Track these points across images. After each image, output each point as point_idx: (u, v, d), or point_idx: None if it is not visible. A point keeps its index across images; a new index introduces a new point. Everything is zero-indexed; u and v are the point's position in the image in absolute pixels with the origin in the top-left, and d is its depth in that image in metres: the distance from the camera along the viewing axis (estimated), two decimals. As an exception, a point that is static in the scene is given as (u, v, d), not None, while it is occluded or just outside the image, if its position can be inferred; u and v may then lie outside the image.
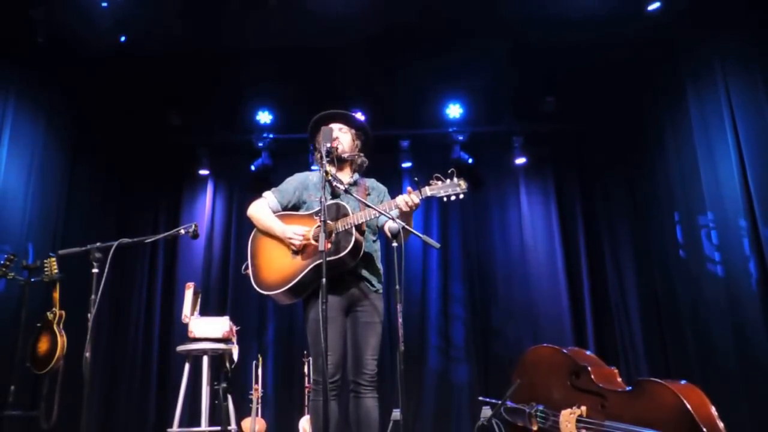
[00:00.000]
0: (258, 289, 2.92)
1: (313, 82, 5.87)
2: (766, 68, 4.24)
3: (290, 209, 3.07)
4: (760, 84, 4.25)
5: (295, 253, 2.89)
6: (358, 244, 2.83)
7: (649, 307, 5.69)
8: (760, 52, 4.30)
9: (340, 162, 2.99)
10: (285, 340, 6.07)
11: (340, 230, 2.83)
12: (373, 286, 2.97)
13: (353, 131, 3.15)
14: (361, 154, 3.15)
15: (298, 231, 2.88)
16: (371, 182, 3.19)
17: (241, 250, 6.24)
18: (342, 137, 3.05)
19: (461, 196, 2.79)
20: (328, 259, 2.63)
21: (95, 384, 5.57)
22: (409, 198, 2.77)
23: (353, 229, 2.82)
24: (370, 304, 2.93)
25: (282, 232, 2.91)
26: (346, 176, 3.08)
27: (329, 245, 2.77)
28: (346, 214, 2.85)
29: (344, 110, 3.19)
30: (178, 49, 5.41)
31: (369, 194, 3.08)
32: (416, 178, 2.88)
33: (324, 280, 2.45)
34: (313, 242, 2.85)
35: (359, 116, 5.87)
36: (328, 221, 2.82)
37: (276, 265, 2.92)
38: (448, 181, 2.79)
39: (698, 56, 4.88)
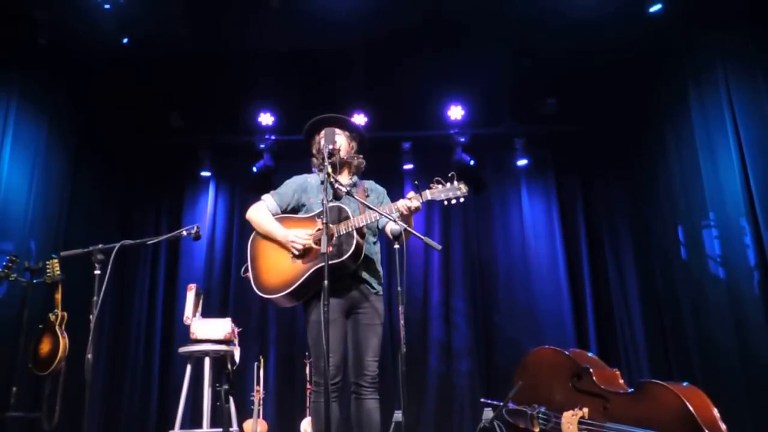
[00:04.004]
0: (258, 292, 2.92)
1: (315, 84, 5.87)
2: (767, 68, 4.25)
3: (289, 212, 3.08)
4: (761, 84, 4.25)
5: (296, 256, 2.89)
6: (359, 247, 2.84)
7: (651, 309, 5.69)
8: (760, 52, 4.30)
9: (339, 166, 3.01)
10: (286, 341, 6.07)
11: (342, 233, 2.83)
12: (373, 288, 2.98)
13: (348, 134, 3.16)
14: (359, 156, 3.16)
15: (300, 235, 2.88)
16: (370, 184, 3.20)
17: (242, 251, 6.18)
18: (338, 140, 3.04)
19: (462, 200, 2.83)
20: (329, 262, 2.65)
21: (97, 385, 5.58)
22: (410, 202, 2.80)
23: (354, 232, 2.82)
24: (371, 306, 2.94)
25: (284, 237, 2.91)
26: (344, 179, 3.09)
27: (331, 248, 2.78)
28: (347, 217, 2.86)
29: (341, 113, 3.21)
30: (180, 51, 5.42)
31: (368, 196, 3.09)
32: (417, 182, 2.88)
33: (326, 282, 2.46)
34: (314, 246, 2.85)
35: (360, 118, 5.99)
36: (330, 225, 2.83)
37: (277, 268, 2.92)
38: (449, 184, 2.84)
39: (699, 57, 4.88)
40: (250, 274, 2.96)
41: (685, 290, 5.12)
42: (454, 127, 6.26)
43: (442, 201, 2.83)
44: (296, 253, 2.89)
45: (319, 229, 2.84)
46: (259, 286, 2.93)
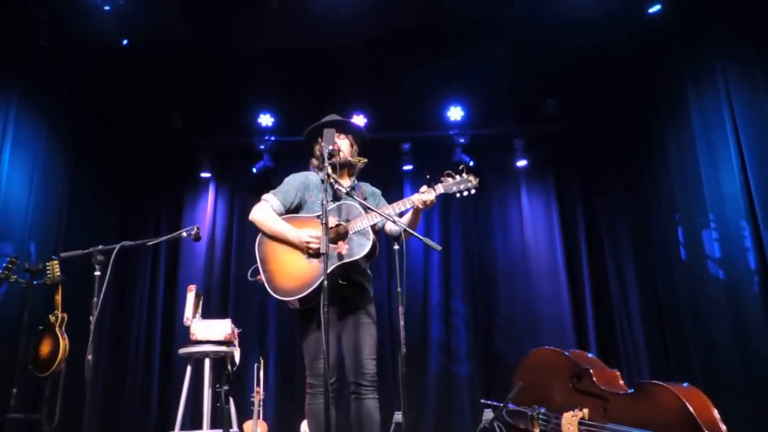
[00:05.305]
0: (275, 295, 2.83)
1: (315, 85, 5.88)
2: (767, 69, 4.25)
3: (292, 210, 3.06)
4: (761, 85, 4.25)
5: (311, 256, 2.85)
6: (374, 246, 2.84)
7: (651, 309, 5.69)
8: (759, 53, 4.31)
9: (340, 168, 3.00)
10: (286, 342, 6.07)
11: (354, 231, 2.83)
12: (365, 289, 2.99)
13: (350, 136, 3.16)
14: (362, 159, 3.15)
15: (314, 234, 2.83)
16: (366, 186, 3.22)
17: (243, 252, 6.25)
18: (340, 143, 3.04)
19: (473, 191, 2.89)
20: (344, 261, 2.73)
21: (97, 387, 5.58)
22: (424, 196, 2.84)
23: (370, 231, 2.82)
24: (363, 308, 2.95)
25: (297, 237, 2.86)
26: (345, 181, 3.09)
27: (345, 247, 2.79)
28: (359, 215, 2.87)
29: (341, 114, 3.23)
30: (179, 52, 5.42)
31: (365, 198, 3.09)
32: (428, 176, 2.91)
33: (326, 282, 2.47)
34: (330, 245, 2.82)
35: (360, 118, 5.99)
36: (342, 223, 2.85)
37: (291, 270, 2.86)
38: (458, 177, 2.90)
39: (699, 58, 4.89)
40: (262, 277, 2.89)
41: (685, 291, 5.12)
42: (454, 128, 6.27)
43: (454, 194, 2.89)
44: (312, 252, 2.84)
45: (332, 228, 2.84)
46: (274, 288, 2.85)
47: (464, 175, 2.90)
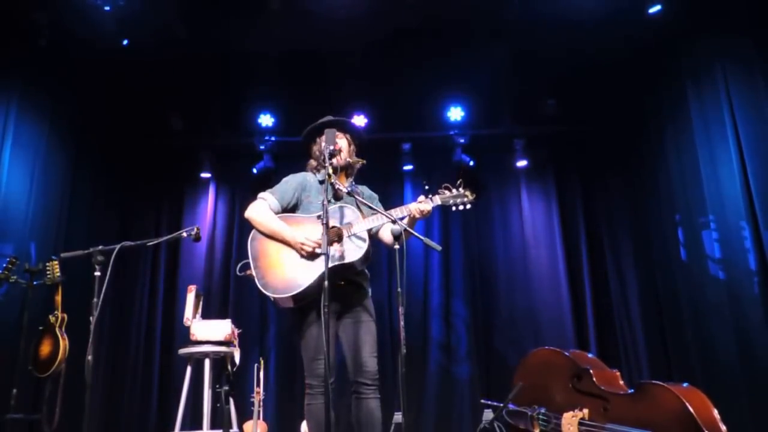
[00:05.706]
0: (265, 291, 2.84)
1: (315, 85, 5.88)
2: (767, 69, 4.25)
3: (288, 210, 3.05)
4: (761, 85, 4.26)
5: (303, 256, 2.85)
6: (369, 250, 2.85)
7: (651, 310, 5.69)
8: (760, 53, 4.31)
9: (339, 169, 2.99)
10: (286, 342, 6.07)
11: (350, 235, 2.83)
12: (362, 288, 2.99)
13: (348, 136, 3.16)
14: (361, 160, 3.15)
15: (310, 237, 2.83)
16: (363, 189, 3.22)
17: (243, 252, 6.19)
18: (339, 143, 3.03)
19: (468, 206, 2.93)
20: (338, 263, 2.72)
21: (97, 387, 5.58)
22: (422, 206, 2.86)
23: (366, 235, 2.83)
24: (361, 306, 2.95)
25: (292, 238, 2.85)
26: (344, 183, 3.09)
27: (341, 249, 2.80)
28: (356, 219, 2.87)
29: (341, 114, 3.23)
30: (180, 53, 5.43)
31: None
32: (427, 186, 2.92)
33: (326, 282, 2.46)
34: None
35: (361, 119, 5.99)
36: (338, 225, 2.85)
37: (285, 267, 2.86)
38: (455, 191, 2.94)
39: (699, 58, 4.89)
40: (253, 273, 2.89)
41: (685, 291, 5.12)
42: (454, 128, 6.26)
43: (450, 206, 2.92)
44: (305, 254, 2.84)
45: (330, 229, 2.85)
46: (265, 285, 2.85)
47: (461, 189, 2.95)
